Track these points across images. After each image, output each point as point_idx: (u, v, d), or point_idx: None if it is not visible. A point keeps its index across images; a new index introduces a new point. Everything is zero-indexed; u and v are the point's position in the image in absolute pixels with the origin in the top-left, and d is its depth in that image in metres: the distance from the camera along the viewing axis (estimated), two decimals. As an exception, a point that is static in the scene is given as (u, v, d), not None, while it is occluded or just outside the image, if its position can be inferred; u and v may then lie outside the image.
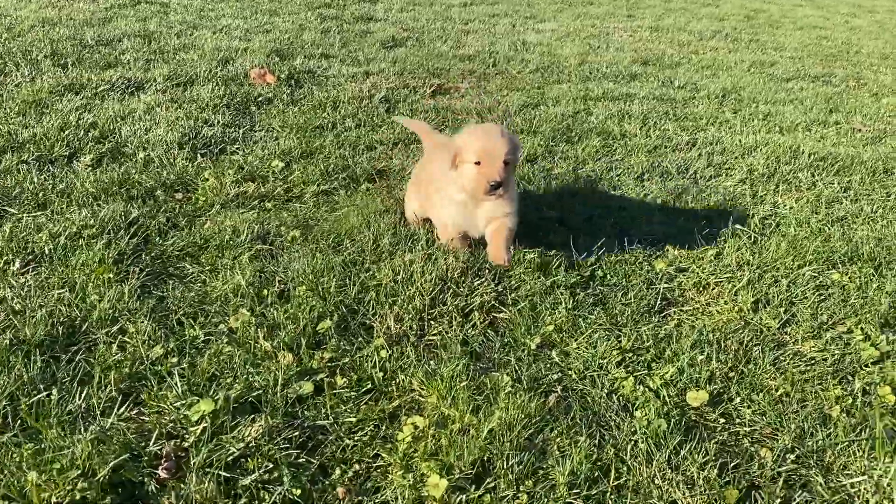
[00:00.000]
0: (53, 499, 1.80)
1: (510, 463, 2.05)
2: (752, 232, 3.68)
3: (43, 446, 1.97)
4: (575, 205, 3.94)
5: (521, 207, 3.24)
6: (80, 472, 1.87)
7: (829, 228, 3.79)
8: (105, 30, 6.90)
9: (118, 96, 5.28)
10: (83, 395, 2.20)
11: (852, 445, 2.26)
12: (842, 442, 2.26)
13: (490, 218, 3.07)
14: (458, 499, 1.94)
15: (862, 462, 2.18)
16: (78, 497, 1.82)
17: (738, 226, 3.72)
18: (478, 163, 2.86)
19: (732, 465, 2.18)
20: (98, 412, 2.13)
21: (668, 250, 3.47)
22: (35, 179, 3.74)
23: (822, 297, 3.13)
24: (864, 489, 2.09)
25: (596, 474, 2.06)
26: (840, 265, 3.41)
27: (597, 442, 2.18)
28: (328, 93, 5.82)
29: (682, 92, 6.63)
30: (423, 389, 2.34)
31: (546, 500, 1.97)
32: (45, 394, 2.18)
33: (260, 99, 5.54)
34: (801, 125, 5.80)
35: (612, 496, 2.01)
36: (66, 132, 4.39)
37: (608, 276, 3.22)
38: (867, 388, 2.58)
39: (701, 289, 3.20)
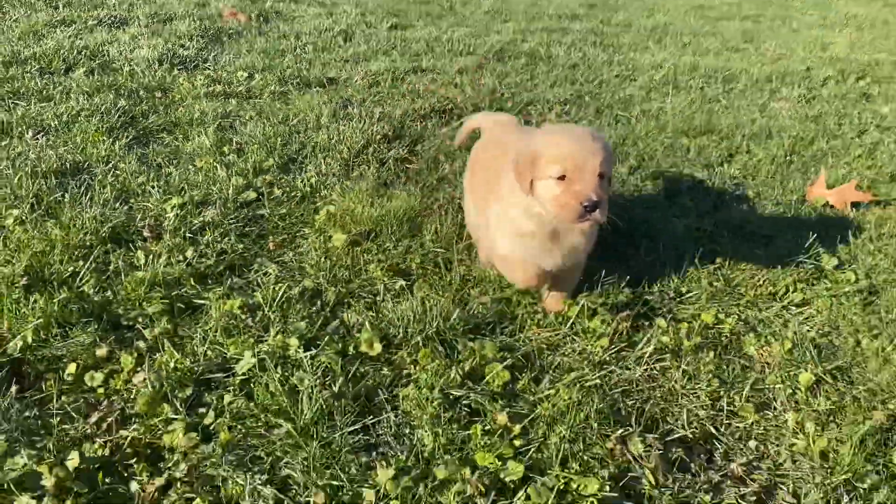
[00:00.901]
0: (73, 241, 2.73)
1: (393, 230, 2.99)
2: (629, 116, 4.61)
3: (63, 219, 2.90)
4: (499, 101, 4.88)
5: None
6: (88, 230, 2.81)
7: (698, 115, 4.72)
8: (91, -24, 7.75)
9: (105, 29, 6.16)
10: (88, 197, 3.13)
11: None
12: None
13: (573, 249, 2.43)
14: (355, 250, 2.89)
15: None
16: (87, 242, 2.76)
17: (622, 114, 4.64)
18: (562, 177, 2.19)
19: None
20: (99, 206, 3.07)
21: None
22: (38, 83, 4.64)
23: (668, 154, 4.07)
24: None
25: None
26: (693, 136, 4.34)
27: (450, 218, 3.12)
28: (292, 27, 6.71)
29: (616, 28, 7.54)
30: (340, 198, 3.28)
31: (418, 250, 2.91)
32: (59, 194, 3.11)
33: (231, 32, 6.43)
34: (712, 50, 6.72)
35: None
36: (62, 52, 5.28)
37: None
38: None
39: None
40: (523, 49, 6.34)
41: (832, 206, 3.49)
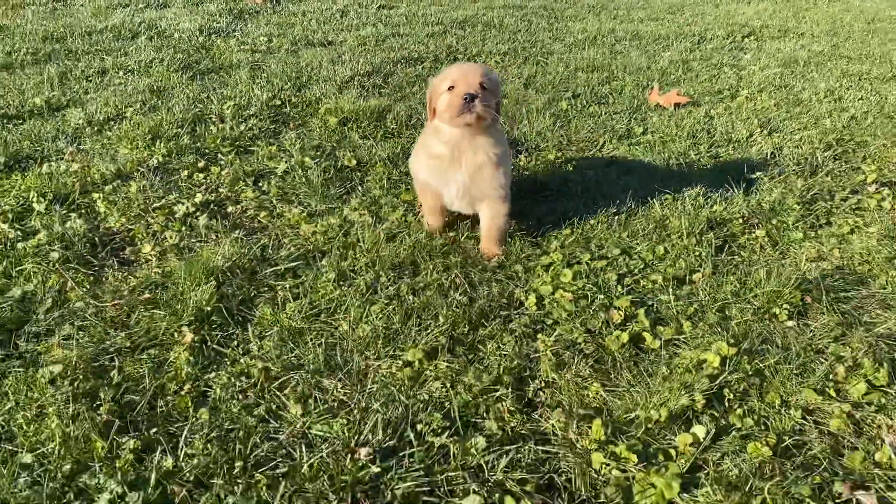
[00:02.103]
0: (176, 118, 4.76)
1: (366, 117, 5.00)
2: (546, 62, 6.61)
3: (163, 111, 4.93)
4: (454, 53, 6.88)
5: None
6: (183, 115, 4.84)
7: (597, 61, 6.72)
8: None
9: (152, 10, 8.22)
10: (174, 102, 5.16)
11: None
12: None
13: (473, 195, 3.18)
14: (342, 127, 4.89)
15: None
16: (183, 121, 4.78)
17: (542, 59, 6.64)
18: (450, 88, 2.90)
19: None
20: (183, 105, 5.08)
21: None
22: (115, 46, 6.69)
23: (564, 82, 6.07)
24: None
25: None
26: (587, 72, 6.34)
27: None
28: (300, 7, 8.75)
29: (564, 4, 9.55)
30: (333, 101, 5.28)
31: (381, 128, 4.93)
32: (154, 101, 5.15)
33: (251, 11, 8.46)
34: (636, 20, 8.73)
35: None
36: (126, 25, 7.33)
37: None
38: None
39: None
40: (482, 20, 8.35)
41: (662, 106, 5.47)
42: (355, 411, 2.38)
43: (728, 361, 2.65)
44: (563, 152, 4.60)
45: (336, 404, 2.44)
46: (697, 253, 3.38)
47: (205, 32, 7.31)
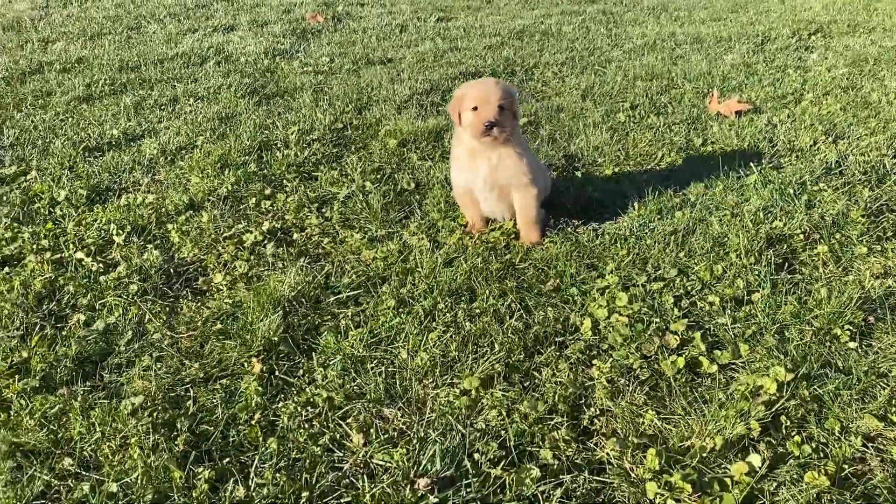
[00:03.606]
0: (243, 146, 4.97)
1: (424, 137, 5.12)
2: (604, 70, 6.61)
3: (232, 138, 5.15)
4: (512, 65, 6.95)
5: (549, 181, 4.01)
6: (250, 141, 5.04)
7: (657, 67, 6.68)
8: (202, -5, 10.21)
9: (220, 34, 8.53)
10: (241, 129, 5.37)
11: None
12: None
13: (500, 185, 3.54)
14: (401, 148, 5.02)
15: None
16: (249, 148, 4.98)
17: (600, 68, 6.65)
18: (475, 108, 3.32)
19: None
20: (250, 131, 5.29)
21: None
22: (186, 72, 6.99)
23: (623, 90, 6.06)
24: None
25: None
26: (645, 80, 6.31)
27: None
28: (360, 24, 8.95)
29: (623, 8, 9.50)
30: (393, 122, 5.41)
31: (439, 147, 5.03)
32: (223, 129, 5.37)
33: (313, 30, 8.70)
34: (698, 21, 8.62)
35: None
36: (195, 51, 7.64)
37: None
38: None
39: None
40: (539, 29, 8.38)
41: (722, 115, 5.42)
42: (414, 441, 2.49)
43: (785, 387, 2.64)
44: (620, 167, 4.61)
45: (396, 433, 2.54)
46: (756, 272, 3.36)
47: (269, 55, 7.56)
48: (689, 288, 3.30)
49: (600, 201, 4.16)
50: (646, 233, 3.74)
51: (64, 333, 3.09)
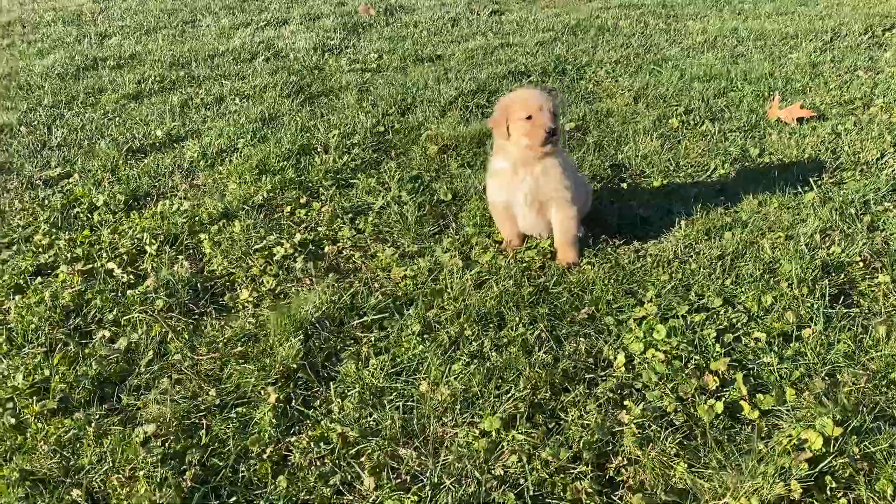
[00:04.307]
0: (282, 150, 4.89)
1: (466, 144, 4.95)
2: (660, 69, 6.33)
3: (272, 141, 5.08)
4: (563, 63, 6.72)
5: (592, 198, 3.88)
6: (290, 146, 4.97)
7: (716, 67, 6.37)
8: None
9: (272, 28, 8.49)
10: (282, 132, 5.30)
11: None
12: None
13: (540, 200, 3.41)
14: (442, 155, 4.87)
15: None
16: (288, 153, 4.90)
17: (656, 67, 6.37)
18: (528, 118, 3.21)
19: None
20: (289, 135, 5.21)
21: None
22: (234, 68, 6.96)
23: (677, 93, 5.79)
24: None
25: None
26: (703, 80, 6.02)
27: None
28: (412, 17, 8.81)
29: (684, 1, 9.14)
30: (434, 127, 5.27)
31: (481, 154, 4.87)
32: (264, 132, 5.30)
33: (364, 24, 8.59)
34: (763, 15, 8.21)
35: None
36: (246, 46, 7.61)
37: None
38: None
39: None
40: (595, 23, 8.10)
41: (783, 121, 5.11)
42: (427, 488, 2.36)
43: (833, 442, 2.42)
44: (669, 179, 4.39)
45: (409, 477, 2.42)
46: (808, 304, 3.12)
47: (319, 50, 7.49)
48: (735, 320, 3.09)
49: (645, 218, 3.96)
50: (691, 256, 3.52)
51: (87, 351, 3.06)
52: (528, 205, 3.45)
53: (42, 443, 2.59)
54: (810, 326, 3.02)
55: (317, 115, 5.62)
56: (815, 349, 2.89)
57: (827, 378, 2.76)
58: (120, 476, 2.45)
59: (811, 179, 4.21)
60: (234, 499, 2.38)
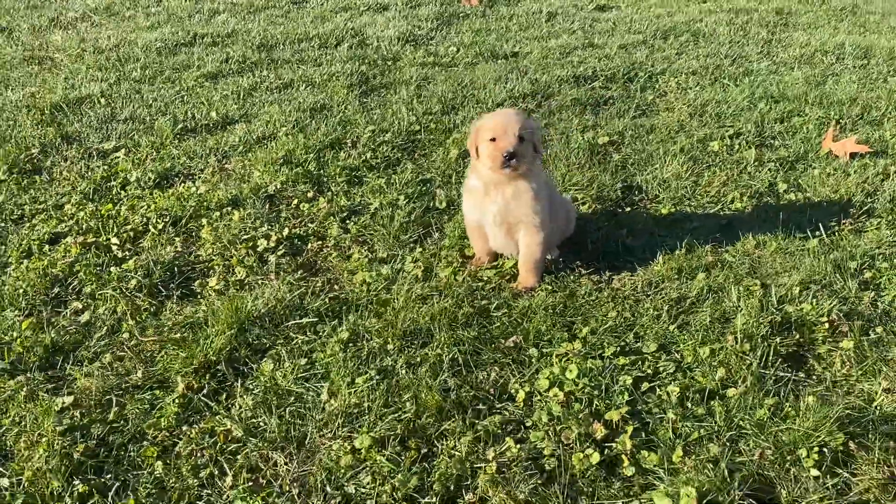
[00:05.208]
0: (309, 144, 5.12)
1: None
2: (728, 84, 6.03)
3: (307, 133, 5.32)
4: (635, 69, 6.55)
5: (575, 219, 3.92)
6: (321, 139, 5.18)
7: (796, 86, 5.98)
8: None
9: (370, 14, 8.74)
10: (325, 123, 5.52)
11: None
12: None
13: (508, 222, 3.46)
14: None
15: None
16: (317, 145, 5.12)
17: (727, 82, 6.08)
18: (493, 140, 3.25)
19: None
20: (325, 127, 5.43)
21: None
22: (315, 54, 7.26)
23: (737, 113, 5.50)
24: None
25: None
26: (770, 101, 5.68)
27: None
28: (512, 10, 8.79)
29: (806, 7, 8.56)
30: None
31: None
32: (307, 122, 5.55)
33: (461, 15, 8.67)
34: (887, 29, 7.58)
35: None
36: (336, 32, 7.90)
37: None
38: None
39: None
40: (692, 28, 7.77)
41: (834, 154, 4.76)
42: (274, 495, 2.50)
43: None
44: (679, 206, 4.23)
45: (264, 482, 2.57)
46: (748, 362, 2.97)
47: (402, 41, 7.65)
48: (661, 369, 3.00)
49: (629, 247, 3.87)
50: (650, 294, 3.42)
51: (54, 320, 3.40)
52: (498, 225, 3.49)
53: (-22, 398, 2.93)
54: (737, 387, 2.88)
55: (365, 109, 5.79)
56: (730, 411, 2.76)
57: (727, 444, 2.63)
58: (28, 439, 2.75)
59: (829, 224, 3.93)
60: (108, 475, 2.62)
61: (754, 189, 4.39)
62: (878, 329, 3.17)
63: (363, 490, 2.53)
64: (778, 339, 3.11)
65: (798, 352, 3.11)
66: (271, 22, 8.33)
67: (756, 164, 4.70)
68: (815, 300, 3.32)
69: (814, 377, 2.98)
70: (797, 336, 3.15)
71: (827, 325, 3.18)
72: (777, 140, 5.07)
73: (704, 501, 2.40)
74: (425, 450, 2.69)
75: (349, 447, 2.68)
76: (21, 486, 2.56)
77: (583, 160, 4.81)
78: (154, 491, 2.55)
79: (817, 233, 3.86)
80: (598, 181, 4.49)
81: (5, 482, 2.59)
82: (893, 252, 3.67)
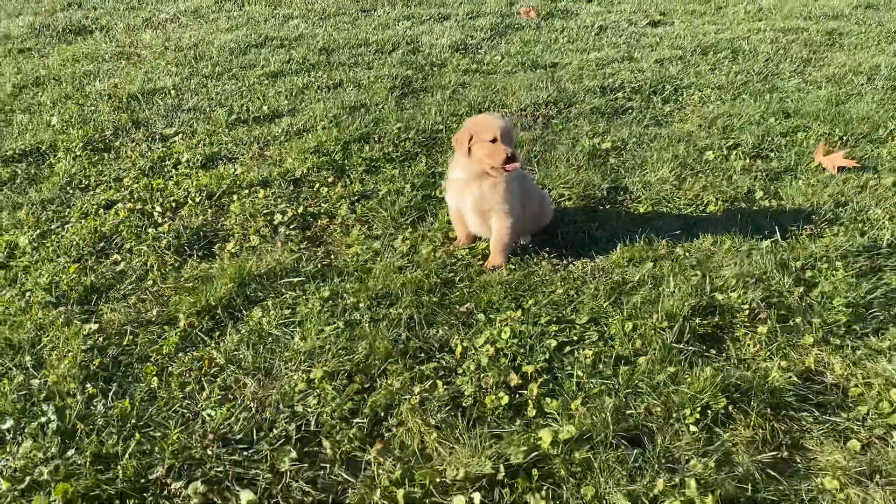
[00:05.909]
0: (342, 137, 5.78)
1: None
2: (750, 100, 6.36)
3: (342, 127, 5.98)
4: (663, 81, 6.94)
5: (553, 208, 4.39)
6: (351, 133, 5.84)
7: (817, 104, 6.25)
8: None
9: (430, 23, 9.38)
10: (360, 120, 6.18)
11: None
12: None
13: (483, 209, 3.97)
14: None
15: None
16: (347, 139, 5.77)
17: (747, 98, 6.40)
18: (493, 140, 3.72)
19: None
20: (357, 124, 6.08)
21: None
22: (370, 59, 7.94)
23: (751, 125, 5.84)
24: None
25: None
26: (785, 116, 5.98)
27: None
28: (567, 23, 9.28)
29: (862, 28, 8.71)
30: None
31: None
32: (345, 118, 6.22)
33: (516, 26, 9.21)
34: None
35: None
36: (393, 39, 8.57)
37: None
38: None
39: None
40: (734, 45, 8.07)
41: (822, 167, 5.07)
42: (236, 406, 3.12)
43: (561, 446, 2.83)
44: (656, 207, 4.66)
45: (232, 398, 3.19)
46: (663, 338, 3.41)
47: (453, 48, 8.25)
48: (586, 337, 3.47)
49: (595, 238, 4.32)
50: (597, 277, 3.88)
51: (96, 268, 4.15)
52: (474, 212, 4.01)
53: (29, 322, 3.68)
54: (647, 354, 3.32)
55: (400, 108, 6.41)
56: (634, 375, 3.22)
57: (622, 399, 3.09)
58: (59, 353, 3.47)
59: (789, 228, 4.28)
60: (115, 384, 3.29)
61: (730, 195, 4.75)
62: (797, 319, 3.53)
63: (308, 409, 3.10)
64: (697, 320, 3.51)
65: (716, 333, 3.50)
66: (337, 28, 9.08)
67: (742, 172, 5.04)
68: (743, 290, 3.70)
69: (723, 355, 3.37)
70: (716, 319, 3.54)
71: (747, 312, 3.56)
72: (773, 153, 5.38)
73: (582, 437, 2.86)
74: (368, 385, 3.25)
75: (305, 378, 3.26)
76: (46, 385, 3.25)
77: (581, 162, 5.27)
78: (146, 398, 3.20)
79: (775, 236, 4.20)
80: (586, 181, 4.94)
81: (36, 382, 3.29)
82: (838, 255, 3.99)
